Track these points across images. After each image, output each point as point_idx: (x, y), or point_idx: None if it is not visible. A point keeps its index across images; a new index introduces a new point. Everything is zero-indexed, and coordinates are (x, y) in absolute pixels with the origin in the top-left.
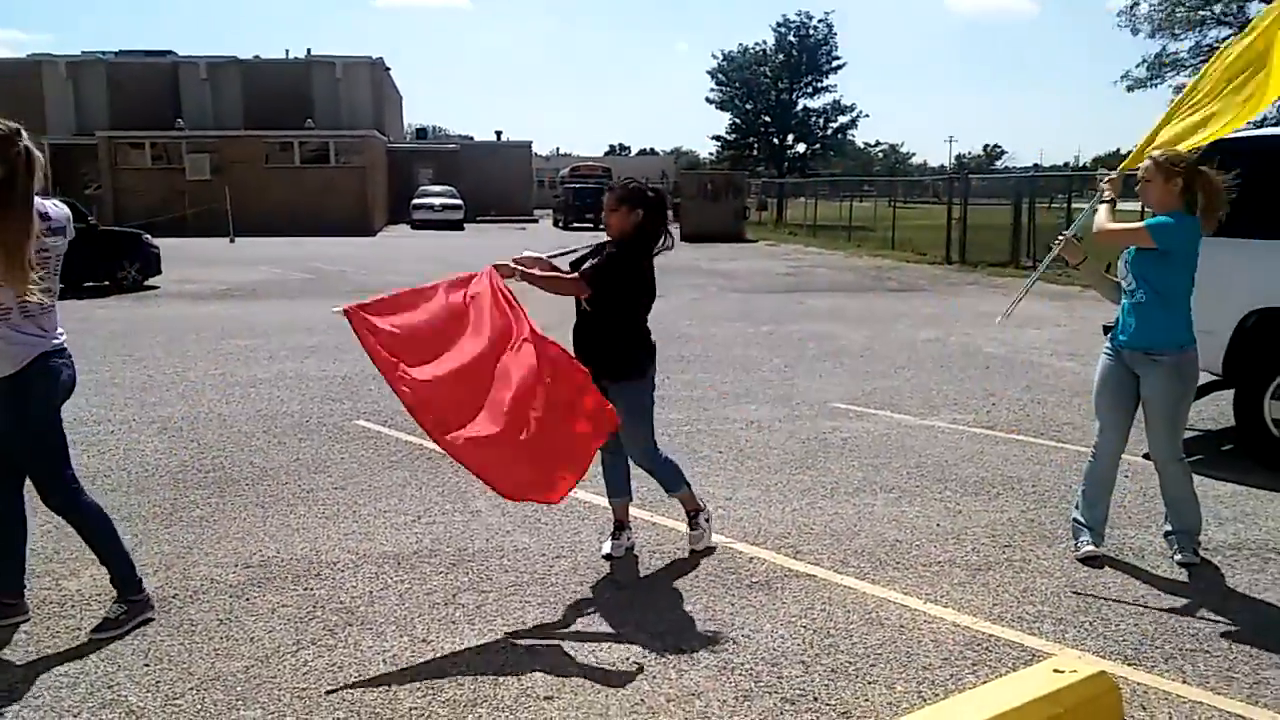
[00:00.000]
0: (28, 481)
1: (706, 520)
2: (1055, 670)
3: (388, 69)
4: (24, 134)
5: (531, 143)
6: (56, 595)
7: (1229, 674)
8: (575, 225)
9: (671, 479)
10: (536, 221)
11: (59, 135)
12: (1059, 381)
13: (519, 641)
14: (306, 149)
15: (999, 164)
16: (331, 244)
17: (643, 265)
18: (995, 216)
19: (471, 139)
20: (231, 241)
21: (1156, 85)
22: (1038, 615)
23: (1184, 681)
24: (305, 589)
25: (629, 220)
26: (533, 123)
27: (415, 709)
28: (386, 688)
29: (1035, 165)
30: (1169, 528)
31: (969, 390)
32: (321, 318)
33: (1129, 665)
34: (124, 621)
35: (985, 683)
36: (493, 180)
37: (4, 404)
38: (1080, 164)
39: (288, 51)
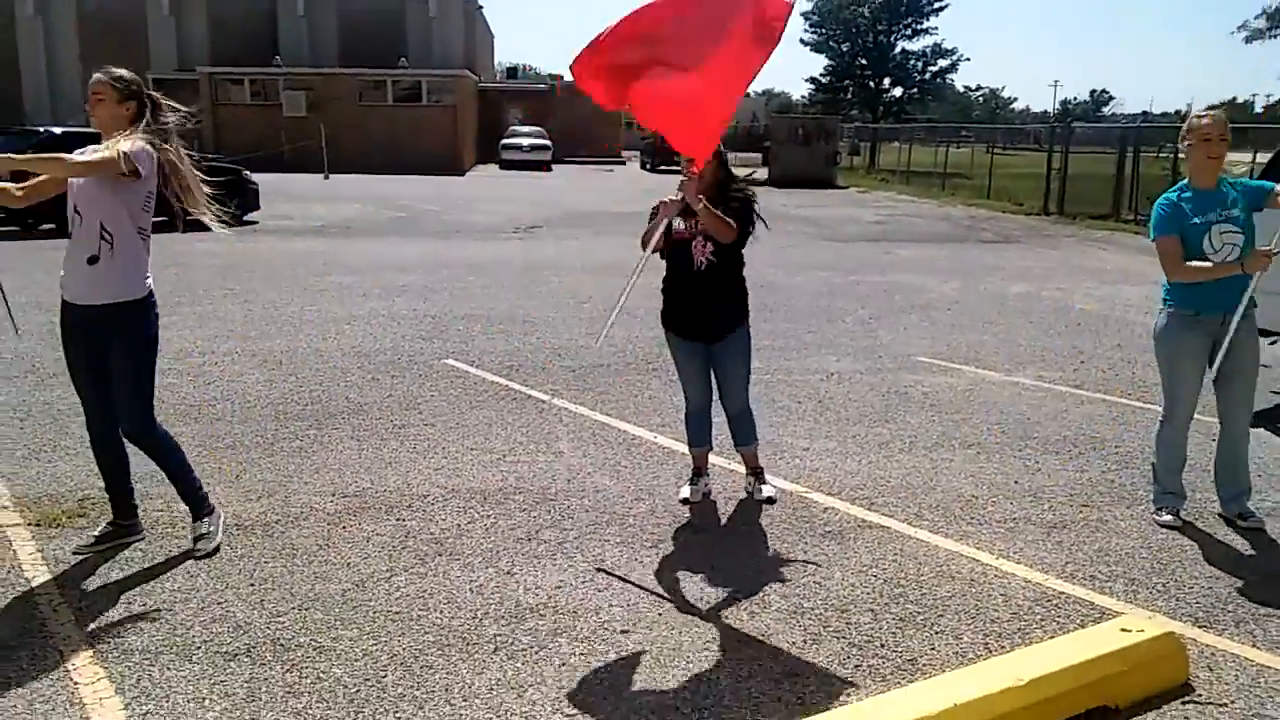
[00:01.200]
0: None
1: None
2: (1123, 629)
3: (480, 6)
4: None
5: None
6: (168, 516)
7: None
8: (662, 168)
9: (753, 432)
10: (624, 164)
11: (162, 70)
12: (1152, 341)
13: (598, 578)
14: (399, 87)
15: (1106, 110)
16: (422, 182)
17: None
18: (1098, 166)
19: (561, 79)
20: (326, 178)
21: (1276, 36)
22: (1110, 575)
23: (1254, 645)
24: (398, 519)
25: (718, 172)
26: None
27: (500, 636)
28: (473, 615)
29: (1144, 113)
30: (1228, 494)
31: (1058, 347)
32: (411, 255)
33: (1199, 627)
34: (214, 534)
35: (1052, 638)
36: (582, 121)
37: (128, 326)
38: (1192, 112)
39: None
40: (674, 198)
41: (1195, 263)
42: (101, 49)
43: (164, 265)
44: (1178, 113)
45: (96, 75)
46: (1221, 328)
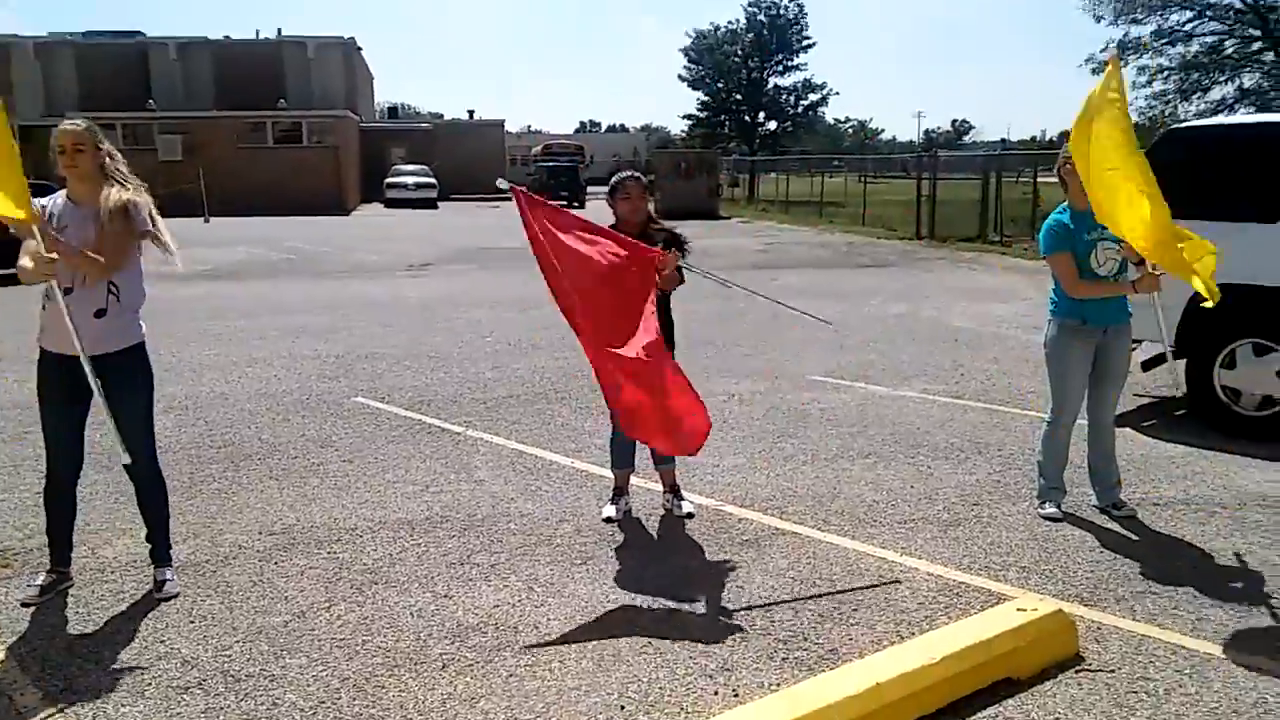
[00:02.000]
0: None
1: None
2: (1018, 609)
3: (359, 48)
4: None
5: (504, 121)
6: (95, 562)
7: (1173, 612)
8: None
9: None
10: (509, 199)
11: (28, 118)
12: (1024, 353)
13: (533, 595)
14: (279, 129)
15: (967, 139)
16: (307, 223)
17: None
18: (963, 191)
19: (442, 117)
20: (206, 222)
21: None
22: (1003, 564)
23: (1134, 619)
24: (330, 552)
25: (646, 206)
26: (504, 100)
27: (445, 654)
28: (417, 637)
29: (1003, 140)
30: (1102, 486)
31: (939, 362)
32: (306, 296)
33: (1085, 606)
34: (175, 580)
35: (957, 621)
36: (466, 159)
37: (137, 366)
38: (1046, 139)
39: (258, 32)
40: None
41: (1093, 282)
42: None
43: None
44: (1033, 139)
45: (73, 125)
46: (1104, 337)
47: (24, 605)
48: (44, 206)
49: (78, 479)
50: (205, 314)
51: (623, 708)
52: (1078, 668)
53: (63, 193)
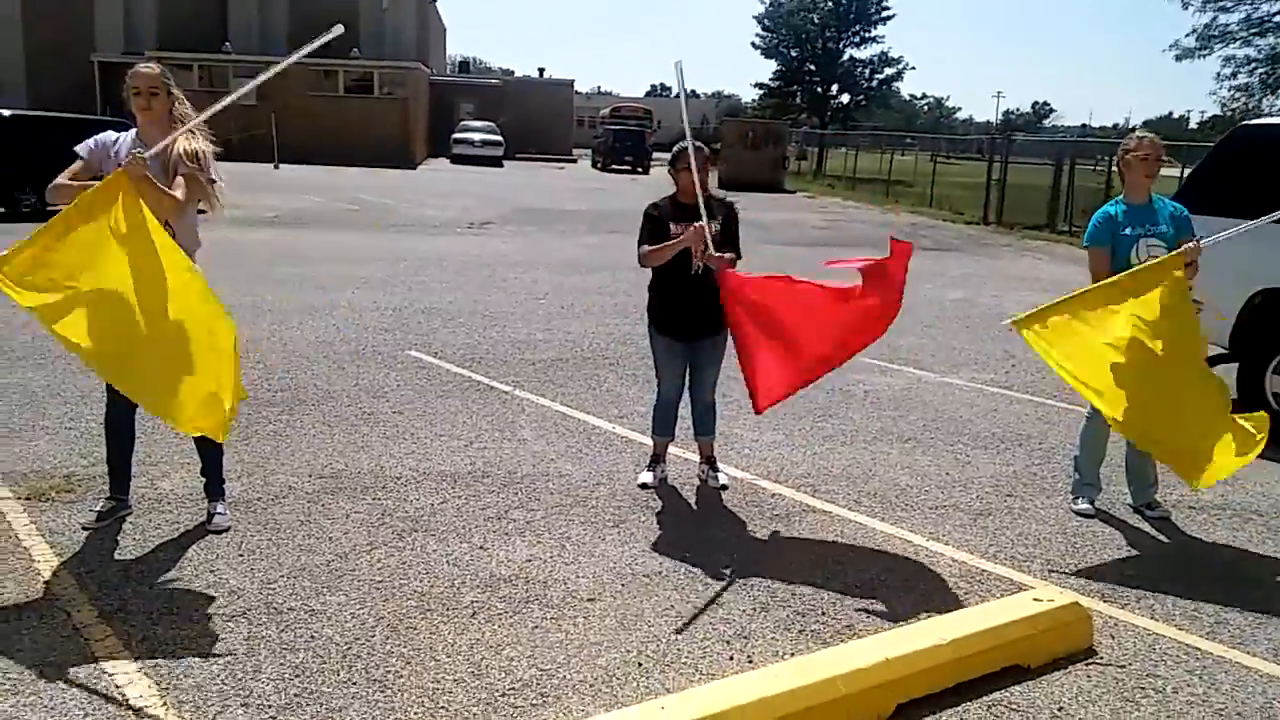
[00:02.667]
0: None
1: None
2: (1035, 599)
3: (434, 0)
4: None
5: (573, 81)
6: (153, 493)
7: (1194, 614)
8: (614, 167)
9: (714, 425)
10: (575, 161)
11: (109, 53)
12: None
13: (565, 553)
14: (350, 78)
15: (1047, 122)
16: (373, 175)
17: None
18: (1037, 177)
19: (513, 74)
20: (276, 168)
21: (1205, 56)
22: (1029, 556)
23: (1152, 618)
24: (374, 499)
25: (707, 177)
26: (575, 59)
27: (476, 602)
28: (451, 584)
29: (1084, 125)
30: (1137, 487)
31: (990, 351)
32: (368, 248)
33: (1105, 601)
34: (228, 515)
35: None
36: (534, 117)
37: None
38: (1131, 126)
39: None
40: (700, 228)
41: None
42: (47, 29)
43: None
44: (1115, 126)
45: (149, 69)
46: None
47: (84, 529)
48: (114, 142)
49: (135, 410)
50: (268, 259)
51: (640, 665)
52: (1089, 660)
53: (133, 131)
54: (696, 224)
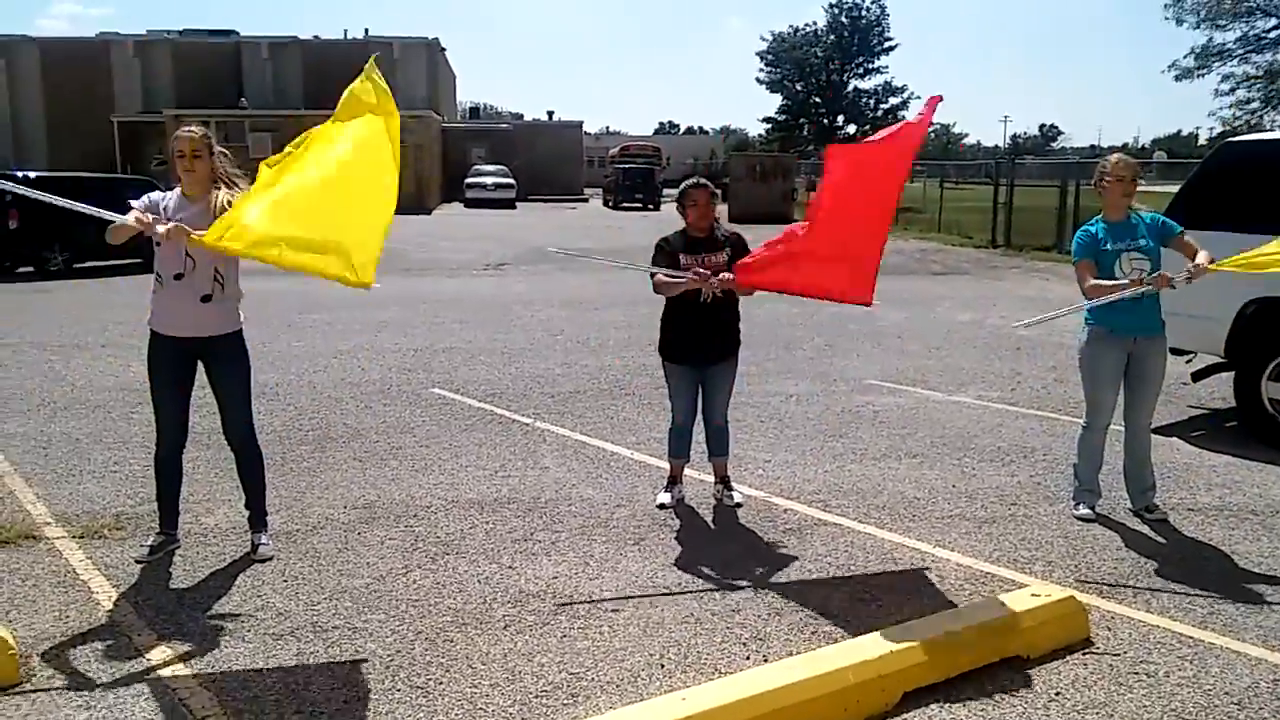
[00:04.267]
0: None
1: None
2: (1033, 594)
3: (443, 49)
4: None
5: (582, 122)
6: (198, 528)
7: (1187, 606)
8: (625, 205)
9: (728, 445)
10: (586, 200)
11: (128, 114)
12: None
13: (589, 569)
14: None
15: (1055, 145)
16: None
17: None
18: (1044, 199)
19: (523, 118)
20: None
21: (1204, 75)
22: (1031, 558)
23: (1147, 610)
24: (406, 526)
25: (713, 213)
26: (583, 100)
27: (507, 616)
28: (483, 600)
29: (1093, 146)
30: (1136, 490)
31: (997, 369)
32: (388, 292)
33: (1102, 597)
34: (271, 544)
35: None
36: (544, 159)
37: (237, 350)
38: (1140, 145)
39: (346, 32)
40: (704, 275)
41: (1103, 282)
42: (67, 93)
43: (147, 307)
44: (1125, 146)
45: (191, 132)
46: (1135, 346)
47: (138, 562)
48: (162, 199)
49: (183, 450)
50: (294, 307)
51: (662, 665)
52: (1086, 650)
53: (177, 190)
54: (700, 272)
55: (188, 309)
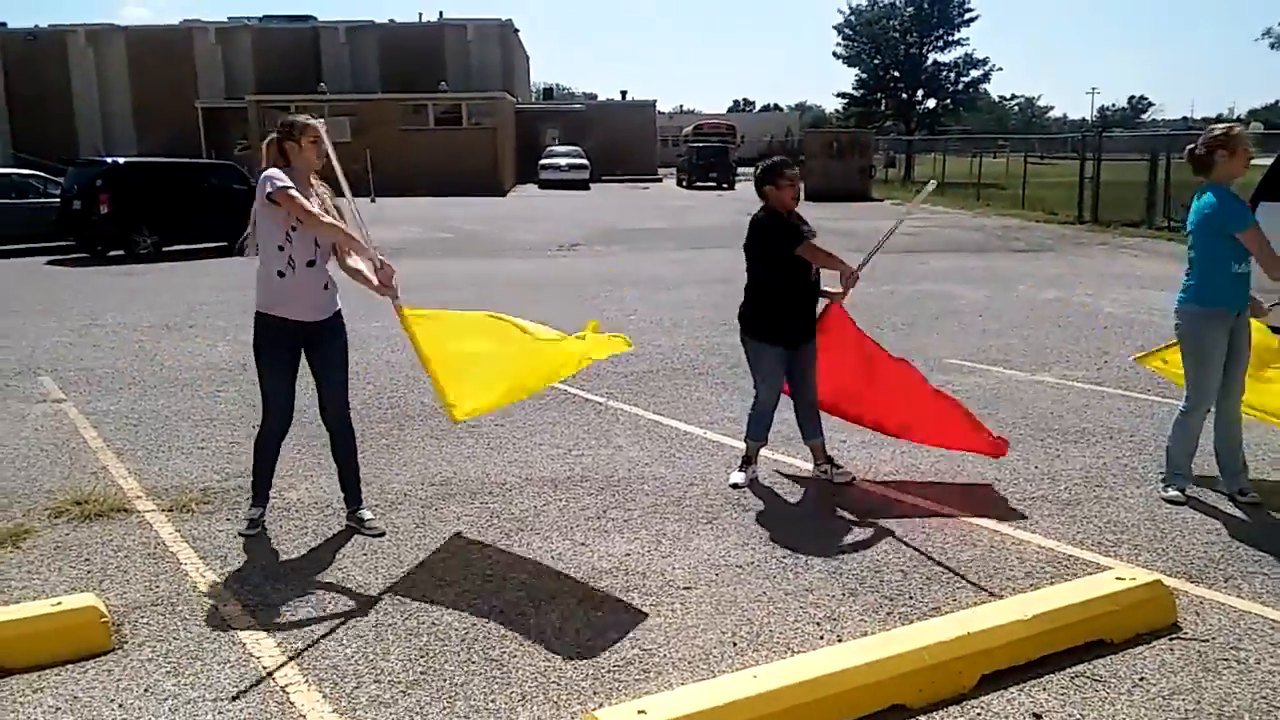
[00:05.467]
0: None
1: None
2: (1117, 578)
3: (516, 30)
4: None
5: (655, 101)
6: (281, 503)
7: (1279, 592)
8: (699, 184)
9: (820, 423)
10: (660, 180)
11: (211, 100)
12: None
13: (661, 547)
14: (439, 110)
15: (1145, 117)
16: (465, 204)
17: None
18: (1133, 173)
19: (596, 98)
20: (373, 201)
21: None
22: (1116, 541)
23: (1239, 596)
24: (482, 503)
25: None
26: (656, 79)
27: (581, 592)
28: (556, 576)
29: (1185, 118)
30: (1228, 472)
31: (1083, 348)
32: (463, 274)
33: (1191, 582)
34: (376, 518)
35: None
36: (617, 139)
37: (343, 329)
38: (1235, 116)
39: (421, 15)
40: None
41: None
42: (151, 80)
43: (233, 288)
44: (1219, 117)
45: (313, 119)
46: (1237, 321)
47: (240, 535)
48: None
49: (285, 436)
50: (369, 290)
51: (734, 644)
52: (1173, 636)
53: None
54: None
55: (314, 294)
